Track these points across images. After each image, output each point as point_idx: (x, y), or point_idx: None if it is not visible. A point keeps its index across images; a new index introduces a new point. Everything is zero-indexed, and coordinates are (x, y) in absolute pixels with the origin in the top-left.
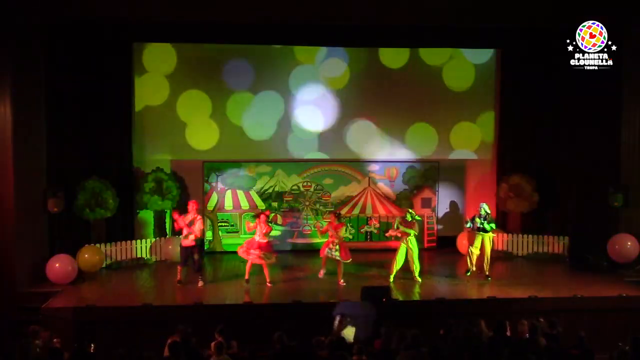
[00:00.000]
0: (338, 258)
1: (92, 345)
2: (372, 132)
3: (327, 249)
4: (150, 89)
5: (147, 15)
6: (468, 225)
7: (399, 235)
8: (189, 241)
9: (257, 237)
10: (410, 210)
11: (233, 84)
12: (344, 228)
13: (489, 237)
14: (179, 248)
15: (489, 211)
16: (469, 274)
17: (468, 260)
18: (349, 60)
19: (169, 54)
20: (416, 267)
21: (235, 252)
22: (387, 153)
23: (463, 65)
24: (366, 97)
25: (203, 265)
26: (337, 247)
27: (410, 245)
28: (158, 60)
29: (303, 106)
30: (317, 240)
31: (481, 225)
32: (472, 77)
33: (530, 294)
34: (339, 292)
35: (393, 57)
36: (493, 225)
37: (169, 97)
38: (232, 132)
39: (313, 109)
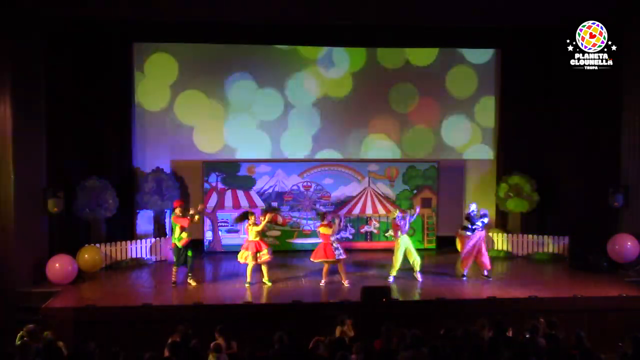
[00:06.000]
0: (344, 256)
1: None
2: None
3: (334, 251)
4: (150, 89)
5: (147, 15)
6: (474, 227)
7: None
8: (184, 241)
9: (250, 238)
10: (396, 210)
11: (234, 83)
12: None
13: (485, 235)
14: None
15: (476, 210)
16: (465, 278)
17: (469, 264)
18: (349, 61)
19: (171, 53)
20: (418, 263)
21: (235, 252)
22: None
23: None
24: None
25: (193, 264)
26: (338, 245)
27: (402, 244)
28: (160, 61)
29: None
30: (318, 240)
31: (479, 225)
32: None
33: (530, 294)
34: (340, 292)
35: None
36: (485, 220)
37: (169, 97)
38: (233, 131)
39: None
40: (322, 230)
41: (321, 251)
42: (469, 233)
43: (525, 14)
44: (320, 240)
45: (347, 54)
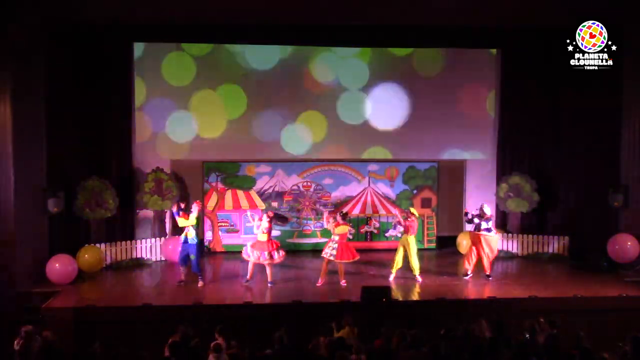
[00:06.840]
0: (332, 258)
1: (97, 344)
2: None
3: (325, 249)
4: (151, 88)
5: (147, 15)
6: (470, 223)
7: (399, 235)
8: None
9: (260, 237)
10: (410, 210)
11: (235, 82)
12: (341, 227)
13: (490, 238)
14: (179, 248)
15: (488, 212)
16: (467, 277)
17: (468, 262)
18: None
19: (172, 51)
20: (415, 266)
21: (235, 252)
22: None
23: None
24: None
25: (203, 266)
26: (336, 246)
27: (408, 245)
28: (161, 60)
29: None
30: (317, 240)
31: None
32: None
33: (530, 294)
34: (340, 292)
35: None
36: (489, 226)
37: (170, 96)
38: (234, 132)
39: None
40: (338, 230)
41: (348, 251)
42: (490, 233)
43: (525, 14)
44: (339, 240)
45: (344, 54)
